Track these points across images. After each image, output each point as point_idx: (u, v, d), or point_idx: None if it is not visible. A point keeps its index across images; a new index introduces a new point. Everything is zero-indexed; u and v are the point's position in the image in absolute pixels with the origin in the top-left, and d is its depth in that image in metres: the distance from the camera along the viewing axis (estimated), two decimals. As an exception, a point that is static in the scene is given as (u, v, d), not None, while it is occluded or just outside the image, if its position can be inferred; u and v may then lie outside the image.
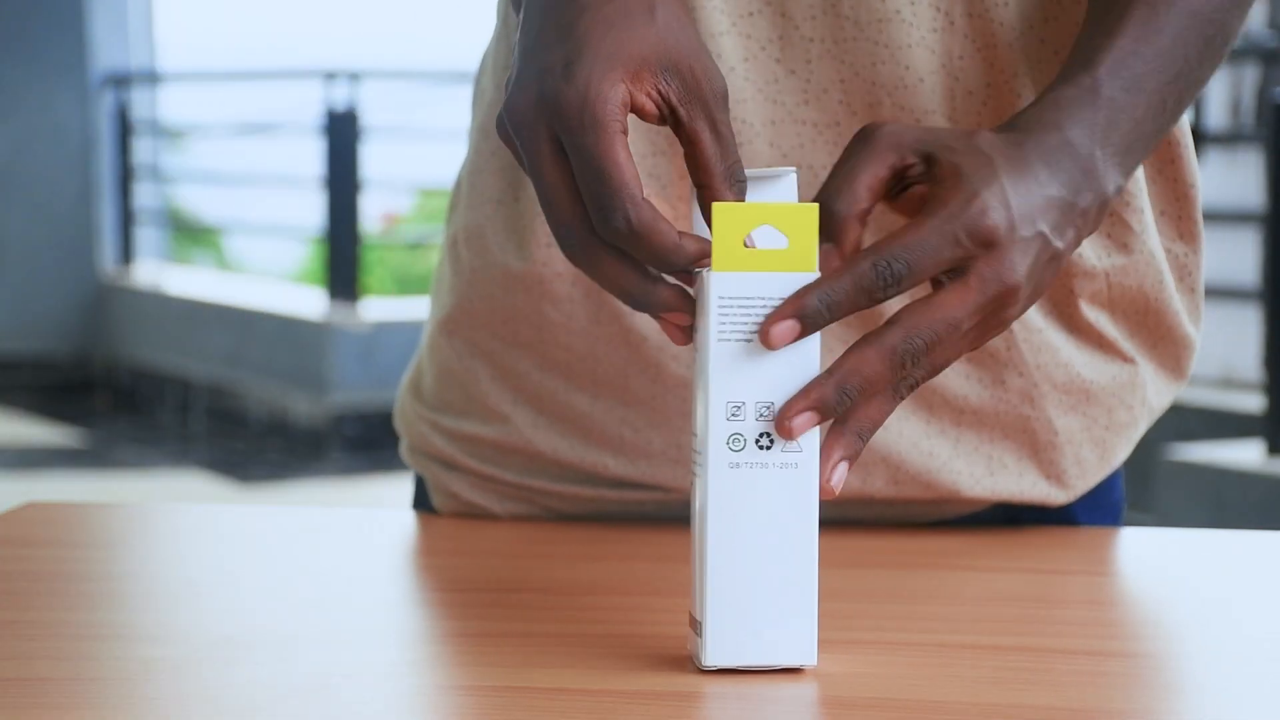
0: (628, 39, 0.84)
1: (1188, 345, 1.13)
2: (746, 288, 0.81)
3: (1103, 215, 0.93)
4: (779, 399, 0.81)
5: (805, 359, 0.81)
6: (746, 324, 0.81)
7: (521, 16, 0.89)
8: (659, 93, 0.84)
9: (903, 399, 0.85)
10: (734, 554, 0.81)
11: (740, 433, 0.81)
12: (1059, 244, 0.89)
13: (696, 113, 0.84)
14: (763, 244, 0.81)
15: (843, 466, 0.83)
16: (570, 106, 0.82)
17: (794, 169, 0.85)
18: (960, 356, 0.86)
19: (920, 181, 0.89)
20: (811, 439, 0.82)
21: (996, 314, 0.86)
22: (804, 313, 0.81)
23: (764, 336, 0.81)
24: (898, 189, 0.89)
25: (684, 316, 0.82)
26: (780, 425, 0.81)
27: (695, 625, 0.83)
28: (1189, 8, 0.98)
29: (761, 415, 0.81)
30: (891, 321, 0.83)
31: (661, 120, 0.84)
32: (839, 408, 0.82)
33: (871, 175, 0.88)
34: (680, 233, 0.81)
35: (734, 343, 0.81)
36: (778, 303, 0.81)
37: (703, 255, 0.81)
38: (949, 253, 0.84)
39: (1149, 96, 0.95)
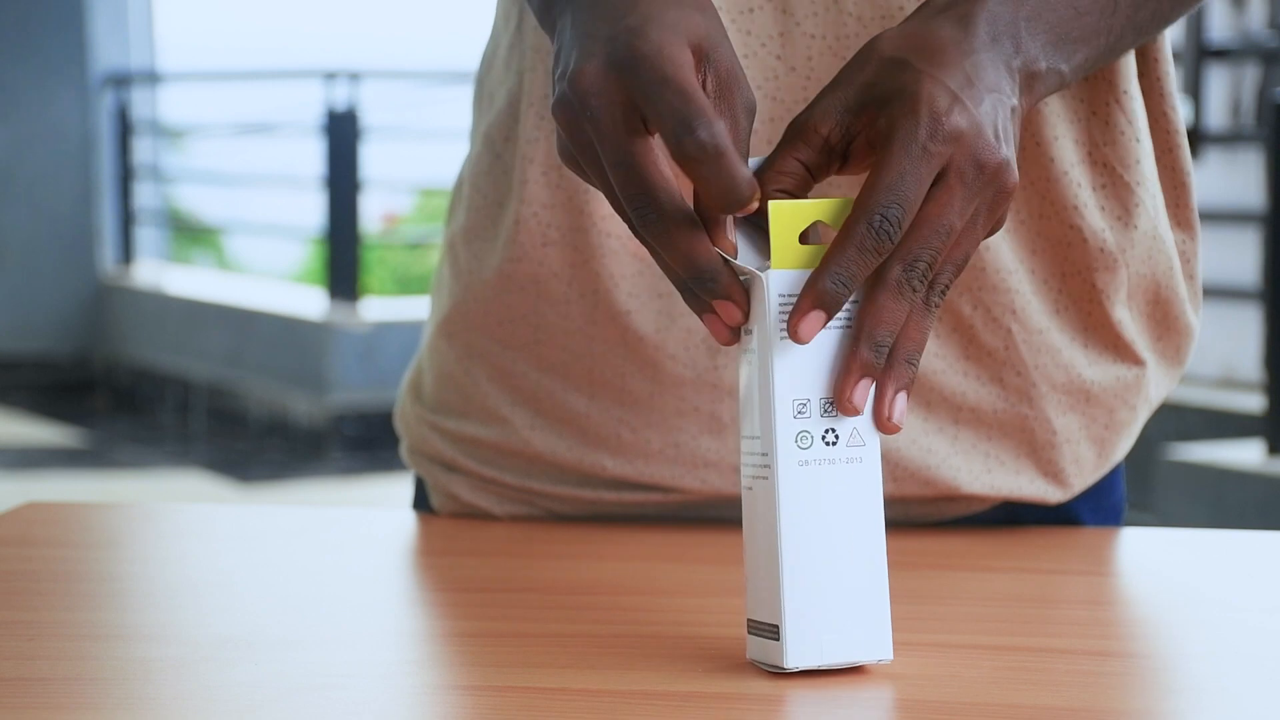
0: (688, 18, 0.84)
1: (1189, 334, 1.13)
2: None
3: (1037, 87, 0.91)
4: None
5: None
6: None
7: (562, 19, 0.88)
8: (699, 77, 0.83)
9: (938, 305, 0.84)
10: (808, 553, 0.81)
11: (807, 430, 0.81)
12: (1014, 100, 0.87)
13: (721, 110, 0.83)
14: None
15: (901, 398, 0.82)
16: (646, 59, 0.81)
17: None
18: (980, 243, 0.85)
19: (858, 133, 0.85)
20: (873, 434, 0.82)
21: (991, 189, 0.84)
22: (823, 299, 0.80)
23: (793, 334, 0.80)
24: (839, 159, 0.86)
25: (737, 312, 0.81)
26: (842, 405, 0.81)
27: (762, 629, 0.82)
28: None
29: (826, 411, 0.81)
30: (891, 255, 0.82)
31: None
32: (881, 360, 0.82)
33: (780, 166, 0.84)
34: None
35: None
36: None
37: (759, 195, 0.80)
38: (927, 169, 0.82)
39: None
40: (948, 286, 0.84)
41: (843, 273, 0.80)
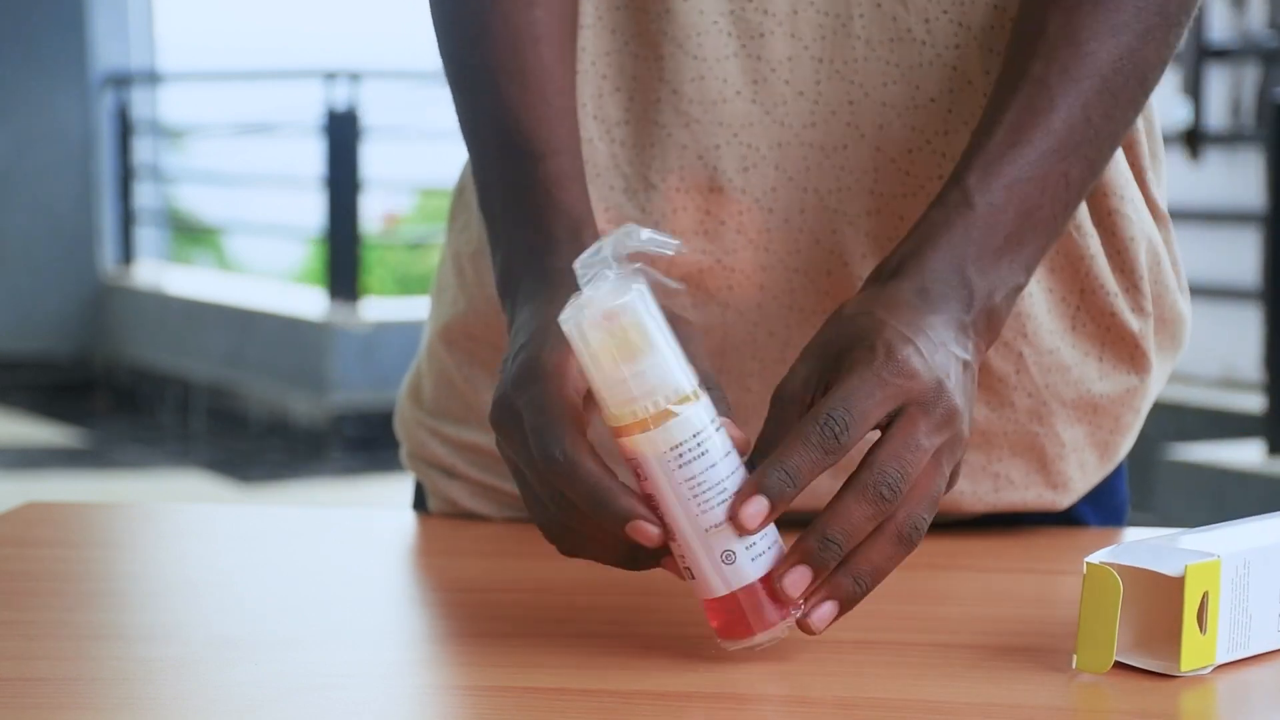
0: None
1: (1183, 322, 1.12)
2: None
3: (997, 321, 0.92)
4: None
5: None
6: None
7: (510, 326, 0.94)
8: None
9: (914, 544, 0.84)
10: None
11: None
12: (966, 355, 0.89)
13: None
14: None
15: (827, 607, 0.83)
16: (527, 381, 0.86)
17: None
18: (940, 486, 0.86)
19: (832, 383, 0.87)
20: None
21: (948, 430, 0.86)
22: (768, 489, 0.81)
23: (738, 523, 0.81)
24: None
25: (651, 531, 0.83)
26: (772, 588, 0.82)
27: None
28: (1091, 69, 0.96)
29: None
30: (860, 465, 0.83)
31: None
32: (826, 555, 0.82)
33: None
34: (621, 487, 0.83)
35: None
36: None
37: (638, 513, 0.82)
38: (881, 392, 0.84)
39: (1039, 183, 0.94)
40: (922, 524, 0.84)
41: (787, 464, 0.82)
